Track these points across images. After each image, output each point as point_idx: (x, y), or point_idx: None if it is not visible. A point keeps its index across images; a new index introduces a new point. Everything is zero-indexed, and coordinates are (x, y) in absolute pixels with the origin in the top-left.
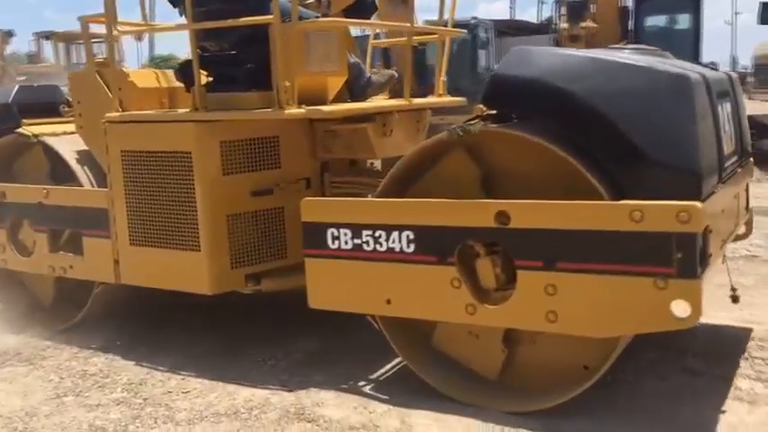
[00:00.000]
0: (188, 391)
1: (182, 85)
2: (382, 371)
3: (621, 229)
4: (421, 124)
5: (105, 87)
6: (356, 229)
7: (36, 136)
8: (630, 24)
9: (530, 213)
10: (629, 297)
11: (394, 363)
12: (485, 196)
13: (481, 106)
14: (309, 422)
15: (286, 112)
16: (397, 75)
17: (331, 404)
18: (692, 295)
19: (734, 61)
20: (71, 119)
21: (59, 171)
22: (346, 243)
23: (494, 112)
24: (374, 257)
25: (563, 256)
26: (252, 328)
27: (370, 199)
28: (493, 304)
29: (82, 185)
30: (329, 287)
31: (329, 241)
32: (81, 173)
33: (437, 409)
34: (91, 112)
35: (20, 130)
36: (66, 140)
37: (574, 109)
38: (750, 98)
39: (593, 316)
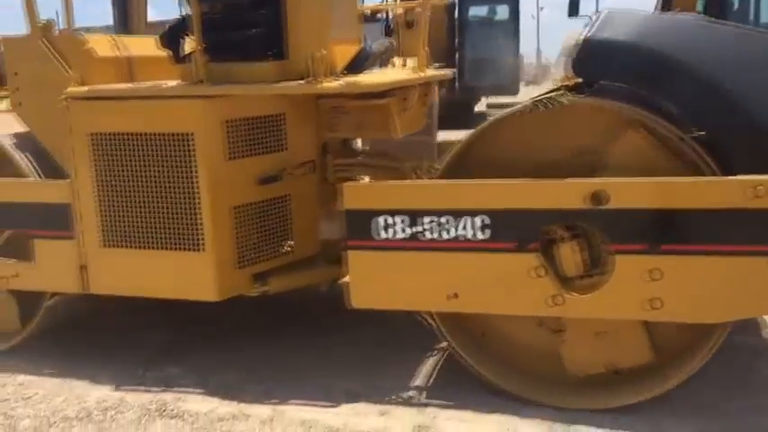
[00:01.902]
0: (29, 397)
1: (143, 53)
2: (244, 358)
3: (740, 206)
4: (428, 98)
5: (56, 56)
6: (415, 216)
7: None
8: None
9: (632, 192)
10: (742, 279)
11: (257, 347)
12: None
13: (566, 75)
14: (174, 418)
15: (323, 85)
16: (394, 44)
17: (194, 397)
18: None
19: (538, 52)
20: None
21: None
22: (402, 232)
23: (580, 80)
24: (437, 247)
25: (670, 238)
26: (93, 325)
27: (433, 181)
28: (579, 293)
29: (24, 176)
30: (377, 283)
31: (379, 231)
32: (22, 161)
33: (307, 395)
34: (34, 86)
35: None
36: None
37: (683, 77)
38: None
39: (702, 301)
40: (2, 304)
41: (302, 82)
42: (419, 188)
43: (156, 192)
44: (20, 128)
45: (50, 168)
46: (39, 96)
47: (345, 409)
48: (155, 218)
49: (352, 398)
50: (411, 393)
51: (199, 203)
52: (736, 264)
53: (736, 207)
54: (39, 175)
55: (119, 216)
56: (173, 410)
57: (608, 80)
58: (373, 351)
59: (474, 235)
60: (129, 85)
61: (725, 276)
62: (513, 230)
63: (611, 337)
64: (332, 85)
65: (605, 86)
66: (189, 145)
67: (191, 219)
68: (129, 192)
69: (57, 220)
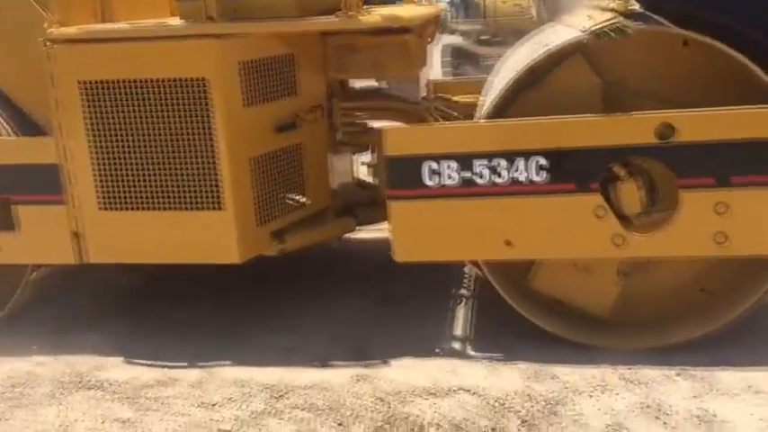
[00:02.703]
0: None
1: None
2: (162, 322)
3: None
4: (431, 32)
5: None
6: (466, 160)
7: None
8: None
9: (702, 125)
10: None
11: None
12: (606, 110)
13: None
14: (92, 389)
15: (362, 18)
16: None
17: (114, 365)
18: None
19: None
20: None
21: None
22: (451, 178)
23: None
24: (491, 192)
25: (739, 171)
26: None
27: (485, 122)
28: (641, 232)
29: None
30: (424, 234)
31: (426, 178)
32: None
33: (242, 355)
34: (3, 31)
35: None
36: None
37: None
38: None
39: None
40: None
41: (334, 17)
42: (470, 130)
43: (166, 146)
44: None
45: (23, 126)
46: (7, 43)
47: (282, 365)
48: (164, 175)
49: (289, 354)
50: (349, 346)
51: (217, 157)
52: None
53: None
54: (14, 134)
55: (120, 175)
56: (90, 380)
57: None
58: (310, 306)
59: (530, 178)
60: (126, 24)
61: None
62: (573, 170)
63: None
64: (373, 18)
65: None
66: (204, 91)
67: (207, 174)
68: (132, 147)
69: (43, 183)
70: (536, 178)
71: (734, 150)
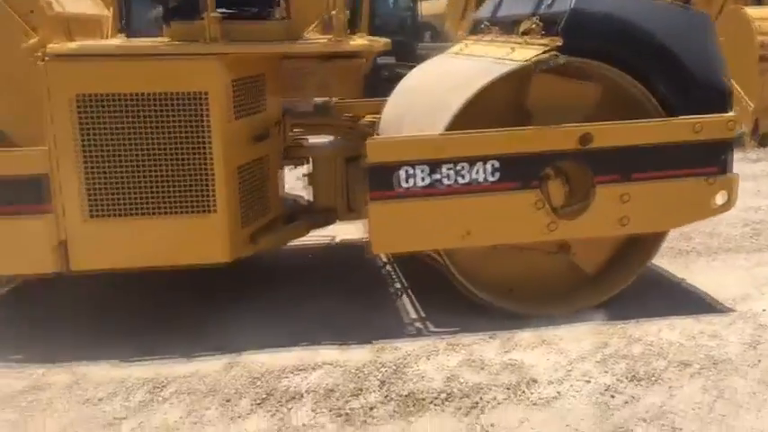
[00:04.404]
0: None
1: (79, 11)
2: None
3: (686, 139)
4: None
5: (9, 10)
6: (434, 165)
7: None
8: None
9: (610, 134)
10: (686, 195)
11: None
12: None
13: (552, 39)
14: None
15: (353, 42)
16: None
17: None
18: (731, 186)
19: None
20: None
21: None
22: (422, 180)
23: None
24: (454, 191)
25: (637, 168)
26: None
27: (451, 133)
28: (566, 219)
29: None
30: (398, 229)
31: (401, 181)
32: None
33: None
34: None
35: None
36: None
37: (646, 43)
38: None
39: (658, 215)
40: None
41: (324, 40)
42: (439, 140)
43: (161, 155)
44: None
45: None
46: None
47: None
48: (157, 182)
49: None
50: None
51: (211, 164)
52: (683, 185)
53: (685, 141)
54: None
55: (110, 184)
56: None
57: (591, 44)
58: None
59: (485, 179)
60: (118, 42)
61: (674, 195)
62: (519, 171)
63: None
64: (358, 42)
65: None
66: (202, 104)
67: (202, 180)
68: (125, 156)
69: (29, 194)
70: (491, 178)
71: (634, 153)
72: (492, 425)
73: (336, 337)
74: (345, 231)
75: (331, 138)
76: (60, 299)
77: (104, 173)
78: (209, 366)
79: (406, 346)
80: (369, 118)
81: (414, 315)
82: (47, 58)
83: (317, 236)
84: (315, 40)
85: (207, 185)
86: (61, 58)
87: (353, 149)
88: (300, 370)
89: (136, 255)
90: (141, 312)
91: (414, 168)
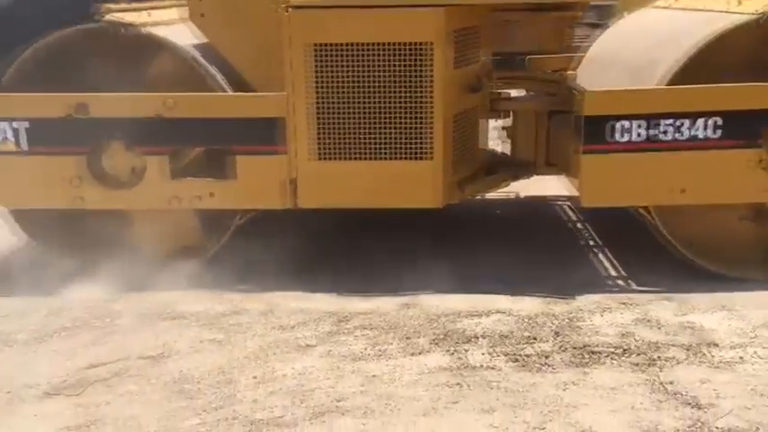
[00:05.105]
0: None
1: None
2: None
3: None
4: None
5: None
6: (653, 120)
7: (132, 26)
8: None
9: None
10: None
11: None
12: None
13: None
14: (175, 318)
15: None
16: None
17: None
18: None
19: None
20: (162, 4)
21: (173, 72)
22: (638, 135)
23: None
24: (671, 147)
25: None
26: None
27: (671, 87)
28: None
29: (213, 91)
30: (610, 183)
31: (617, 135)
32: (216, 74)
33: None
34: None
35: (105, 17)
36: (179, 31)
37: None
38: None
39: None
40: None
41: None
42: (658, 94)
43: (385, 102)
44: (197, 39)
45: (235, 84)
46: (232, 7)
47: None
48: (380, 128)
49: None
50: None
51: (431, 112)
52: None
53: None
54: (226, 90)
55: (338, 128)
56: (169, 313)
57: None
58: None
59: (706, 135)
60: None
61: None
62: (742, 128)
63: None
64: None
65: None
66: (427, 54)
67: (421, 128)
68: (354, 103)
69: (267, 135)
70: (712, 135)
71: None
72: (671, 382)
73: (508, 289)
74: (534, 187)
75: (532, 92)
76: (267, 234)
77: (334, 118)
78: (388, 305)
79: (577, 302)
80: (571, 72)
81: (587, 272)
82: (290, 9)
83: (504, 191)
84: None
85: (426, 132)
86: (303, 9)
87: (558, 103)
88: (474, 315)
89: (356, 195)
90: (325, 251)
91: (630, 122)
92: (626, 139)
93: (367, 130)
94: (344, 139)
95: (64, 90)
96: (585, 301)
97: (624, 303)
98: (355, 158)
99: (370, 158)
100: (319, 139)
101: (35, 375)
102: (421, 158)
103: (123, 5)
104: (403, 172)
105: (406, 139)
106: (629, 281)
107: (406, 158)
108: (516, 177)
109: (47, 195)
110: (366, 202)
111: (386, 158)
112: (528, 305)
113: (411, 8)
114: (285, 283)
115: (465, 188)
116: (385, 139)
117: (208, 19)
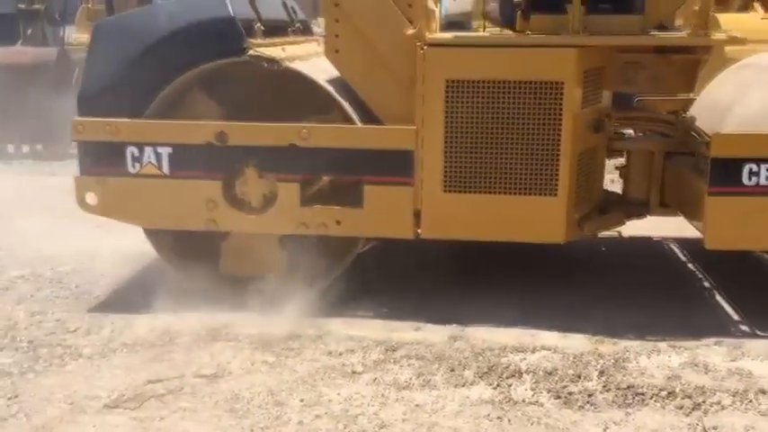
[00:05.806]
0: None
1: None
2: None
3: None
4: None
5: (392, 3)
6: None
7: (275, 60)
8: None
9: None
10: None
11: None
12: None
13: None
14: (230, 341)
15: (713, 38)
16: None
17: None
18: None
19: None
20: (303, 38)
21: (307, 103)
22: (767, 179)
23: None
24: None
25: None
26: None
27: None
28: None
29: (344, 122)
30: (737, 226)
31: (744, 177)
32: (347, 107)
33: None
34: (357, 32)
35: (252, 52)
36: (314, 66)
37: None
38: None
39: None
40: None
41: (684, 34)
42: None
43: (513, 138)
44: (331, 73)
45: (365, 117)
46: (368, 45)
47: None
48: (508, 163)
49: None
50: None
51: (559, 149)
52: None
53: None
54: (355, 121)
55: (466, 162)
56: (225, 334)
57: None
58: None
59: None
60: (486, 33)
61: None
62: None
63: None
64: (718, 38)
65: None
66: (558, 93)
67: (549, 164)
68: (482, 138)
69: (396, 166)
70: None
71: None
72: (715, 427)
73: (555, 326)
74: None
75: (645, 132)
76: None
77: (462, 152)
78: (435, 336)
79: (625, 342)
80: (690, 114)
81: (643, 314)
82: (426, 47)
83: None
84: (668, 33)
85: (553, 169)
86: (438, 47)
87: (675, 144)
88: (520, 351)
89: (480, 228)
90: (374, 277)
91: (759, 165)
92: (753, 182)
93: (494, 165)
94: (472, 172)
95: (206, 118)
96: (633, 342)
97: (673, 346)
98: (482, 192)
99: (496, 192)
100: (446, 172)
101: (96, 389)
102: (547, 194)
103: (259, 41)
104: (528, 207)
105: (531, 174)
106: (680, 323)
107: (532, 194)
108: (631, 217)
109: (183, 217)
110: (490, 235)
111: (511, 193)
112: (575, 342)
113: (544, 48)
114: (338, 309)
115: (584, 226)
116: (511, 173)
117: (342, 55)
